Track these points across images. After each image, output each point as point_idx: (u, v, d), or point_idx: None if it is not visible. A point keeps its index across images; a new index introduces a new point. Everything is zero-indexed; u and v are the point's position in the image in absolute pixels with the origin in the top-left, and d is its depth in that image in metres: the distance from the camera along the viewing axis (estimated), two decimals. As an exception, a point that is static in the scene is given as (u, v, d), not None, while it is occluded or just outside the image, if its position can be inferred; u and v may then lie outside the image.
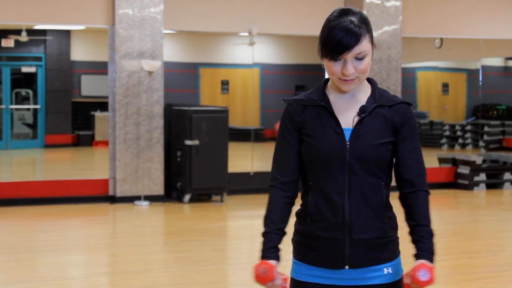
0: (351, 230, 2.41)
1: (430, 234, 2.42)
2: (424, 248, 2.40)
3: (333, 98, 2.46)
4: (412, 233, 2.44)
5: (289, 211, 2.51)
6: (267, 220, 2.47)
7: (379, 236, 2.43)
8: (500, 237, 8.17)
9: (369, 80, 2.50)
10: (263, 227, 2.48)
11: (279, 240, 2.45)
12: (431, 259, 2.39)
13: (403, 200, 2.49)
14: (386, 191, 2.45)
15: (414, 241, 2.43)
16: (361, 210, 2.41)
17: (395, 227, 2.49)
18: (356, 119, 2.42)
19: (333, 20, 2.35)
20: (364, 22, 2.35)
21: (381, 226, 2.43)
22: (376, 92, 2.46)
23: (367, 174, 2.41)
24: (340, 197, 2.41)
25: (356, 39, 2.31)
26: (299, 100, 2.48)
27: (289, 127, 2.47)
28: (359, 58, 2.34)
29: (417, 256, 2.40)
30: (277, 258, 2.43)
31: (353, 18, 2.33)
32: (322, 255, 2.43)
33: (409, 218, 2.46)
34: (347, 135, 2.40)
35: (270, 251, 2.43)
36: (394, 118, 2.43)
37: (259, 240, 2.48)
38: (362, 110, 2.41)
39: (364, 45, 2.33)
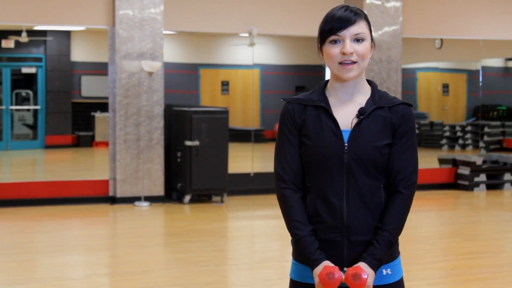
0: (349, 232, 2.41)
1: (387, 241, 2.39)
2: (372, 252, 2.38)
3: (333, 99, 2.47)
4: (373, 234, 2.42)
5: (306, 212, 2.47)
6: (297, 224, 2.42)
7: None
8: (501, 238, 8.17)
9: (369, 82, 2.52)
10: (295, 231, 2.42)
11: (317, 241, 2.42)
12: (373, 265, 2.37)
13: (385, 201, 2.47)
14: (385, 193, 2.45)
15: (369, 243, 2.41)
16: (359, 212, 2.41)
17: None
18: (355, 120, 2.42)
19: (330, 10, 2.46)
20: (362, 12, 2.44)
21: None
22: (376, 94, 2.47)
23: (365, 176, 2.41)
24: (338, 199, 2.41)
25: (355, 16, 2.39)
26: (299, 100, 2.48)
27: (290, 127, 2.46)
28: (358, 40, 2.39)
29: (361, 258, 2.38)
30: (326, 258, 2.39)
31: (351, 6, 2.44)
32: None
33: (379, 219, 2.43)
34: (346, 137, 2.40)
35: (318, 253, 2.39)
36: (392, 120, 2.43)
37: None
38: (361, 112, 2.42)
39: (362, 27, 2.40)
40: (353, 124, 2.41)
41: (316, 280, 2.36)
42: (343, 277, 2.35)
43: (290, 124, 2.47)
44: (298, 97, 2.50)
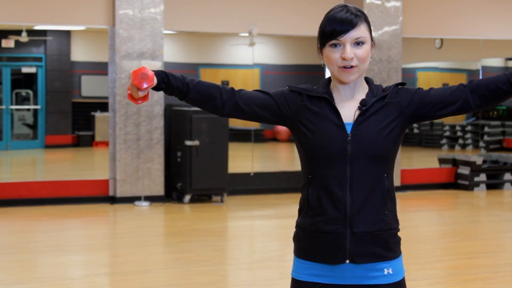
0: (352, 223, 2.40)
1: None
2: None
3: (335, 95, 2.49)
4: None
5: (206, 97, 2.51)
6: (195, 80, 2.50)
7: (381, 229, 2.42)
8: (500, 238, 8.17)
9: (366, 79, 2.54)
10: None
11: (176, 76, 2.44)
12: None
13: (476, 95, 2.42)
14: (389, 183, 2.45)
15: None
16: (362, 202, 2.40)
17: (396, 220, 2.49)
18: (357, 112, 2.43)
19: (331, 11, 2.45)
20: (362, 13, 2.44)
21: (382, 219, 2.42)
22: (373, 88, 2.50)
23: (369, 166, 2.41)
24: (342, 189, 2.40)
25: (355, 19, 2.38)
26: (304, 89, 2.51)
27: (277, 98, 2.51)
28: (358, 43, 2.39)
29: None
30: (160, 78, 2.39)
31: (351, 7, 2.43)
32: (323, 249, 2.43)
33: (494, 83, 2.40)
34: (348, 128, 2.41)
35: (165, 73, 2.41)
36: (393, 101, 2.45)
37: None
38: (363, 103, 2.44)
39: (362, 30, 2.40)
40: (356, 116, 2.43)
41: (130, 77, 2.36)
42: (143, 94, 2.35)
43: (278, 98, 2.51)
44: (304, 87, 2.52)
